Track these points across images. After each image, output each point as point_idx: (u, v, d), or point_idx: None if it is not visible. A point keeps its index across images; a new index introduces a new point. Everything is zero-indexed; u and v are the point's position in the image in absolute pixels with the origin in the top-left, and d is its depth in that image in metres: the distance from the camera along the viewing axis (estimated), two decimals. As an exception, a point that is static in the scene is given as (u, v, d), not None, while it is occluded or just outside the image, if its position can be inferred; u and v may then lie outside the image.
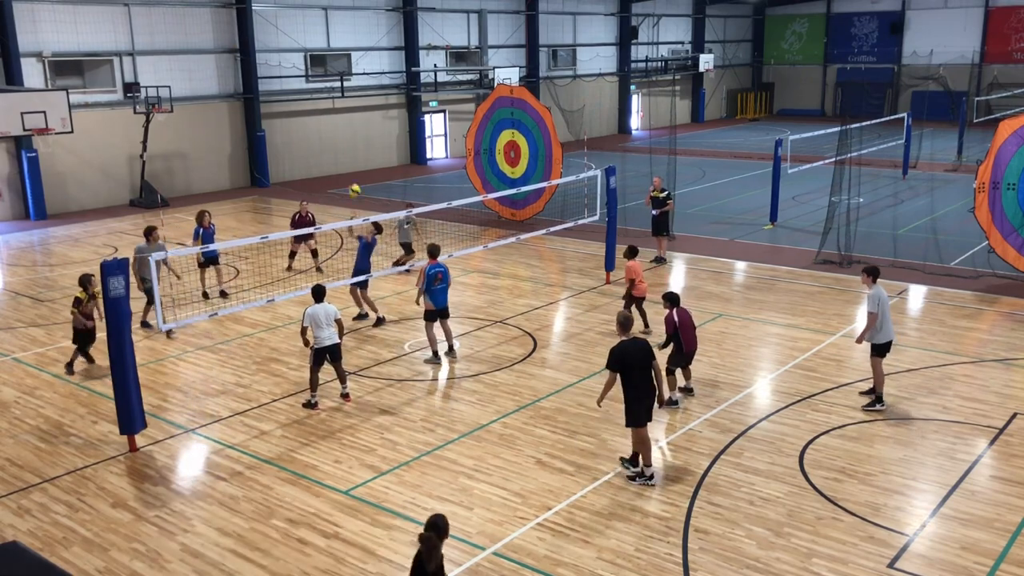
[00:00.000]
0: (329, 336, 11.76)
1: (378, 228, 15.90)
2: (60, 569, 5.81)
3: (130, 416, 10.66)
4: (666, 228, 19.78)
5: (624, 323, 9.87)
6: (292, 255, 19.42)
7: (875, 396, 11.79)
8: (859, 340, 11.81)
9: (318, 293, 11.97)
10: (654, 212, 19.53)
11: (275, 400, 12.38)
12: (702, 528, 8.95)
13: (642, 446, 9.83)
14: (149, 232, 15.38)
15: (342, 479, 10.06)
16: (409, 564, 8.39)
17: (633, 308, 14.47)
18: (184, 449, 10.99)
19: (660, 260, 19.70)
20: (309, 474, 10.20)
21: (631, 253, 14.89)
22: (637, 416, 9.67)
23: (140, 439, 11.00)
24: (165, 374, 13.49)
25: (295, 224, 18.95)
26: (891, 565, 8.27)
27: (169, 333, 15.06)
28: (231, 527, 9.10)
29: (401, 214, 16.97)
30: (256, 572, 8.33)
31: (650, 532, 8.88)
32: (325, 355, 11.89)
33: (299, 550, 8.67)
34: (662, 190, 19.54)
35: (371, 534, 8.92)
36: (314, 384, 12.04)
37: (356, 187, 19.80)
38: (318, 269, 19.18)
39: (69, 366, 13.53)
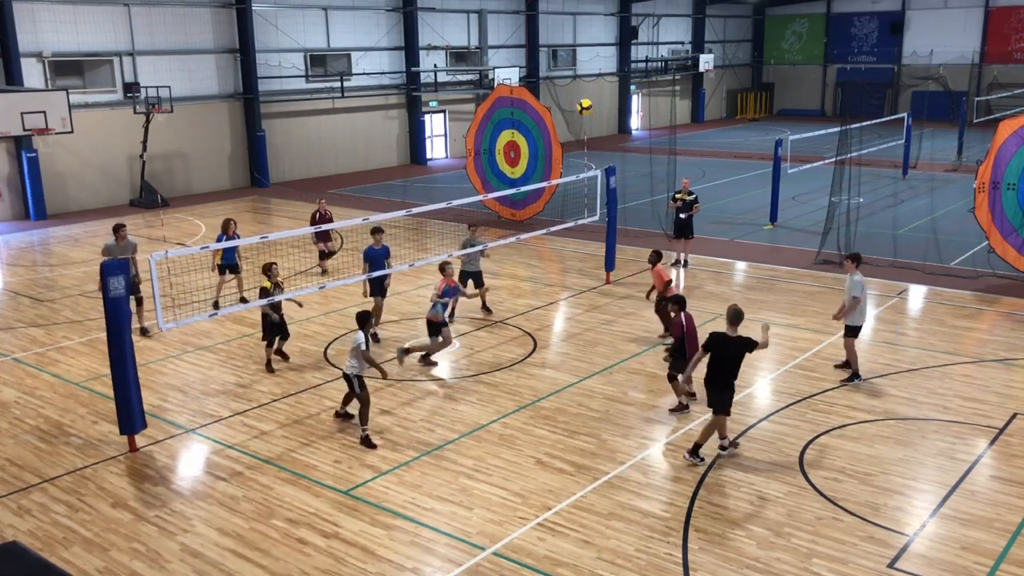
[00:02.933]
0: (347, 364, 10.93)
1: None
2: (60, 569, 5.81)
3: (130, 416, 10.67)
4: (690, 230, 19.42)
5: (734, 318, 10.14)
6: (321, 255, 19.34)
7: (852, 372, 12.68)
8: (838, 317, 12.76)
9: (360, 320, 11.11)
10: (682, 215, 19.16)
11: (275, 400, 12.38)
12: (702, 528, 8.94)
13: (708, 430, 10.33)
14: (117, 229, 15.15)
15: (342, 479, 10.06)
16: (408, 564, 8.43)
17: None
18: (184, 449, 10.99)
19: (680, 263, 19.51)
20: (309, 474, 10.20)
21: (656, 257, 14.29)
22: (714, 401, 10.26)
23: (140, 439, 11.00)
24: (165, 374, 13.49)
25: (314, 223, 18.74)
26: (891, 565, 8.27)
27: (145, 332, 15.13)
28: (231, 527, 9.10)
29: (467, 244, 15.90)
30: (256, 572, 8.33)
31: (650, 532, 8.88)
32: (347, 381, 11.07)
33: (299, 550, 8.67)
34: (689, 192, 19.35)
35: (371, 534, 8.92)
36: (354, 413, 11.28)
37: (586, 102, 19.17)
38: (323, 271, 19.05)
39: (268, 365, 13.50)
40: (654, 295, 14.36)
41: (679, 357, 11.61)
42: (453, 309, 15.69)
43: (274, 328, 13.43)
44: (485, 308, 16.17)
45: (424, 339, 13.66)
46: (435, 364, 13.63)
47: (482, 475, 10.09)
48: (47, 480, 10.15)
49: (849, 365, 12.82)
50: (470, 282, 15.44)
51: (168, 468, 10.48)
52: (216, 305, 16.52)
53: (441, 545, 8.72)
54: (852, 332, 12.63)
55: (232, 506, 9.51)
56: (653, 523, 9.05)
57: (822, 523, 9.00)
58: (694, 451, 10.28)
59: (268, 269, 13.34)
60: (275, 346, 13.59)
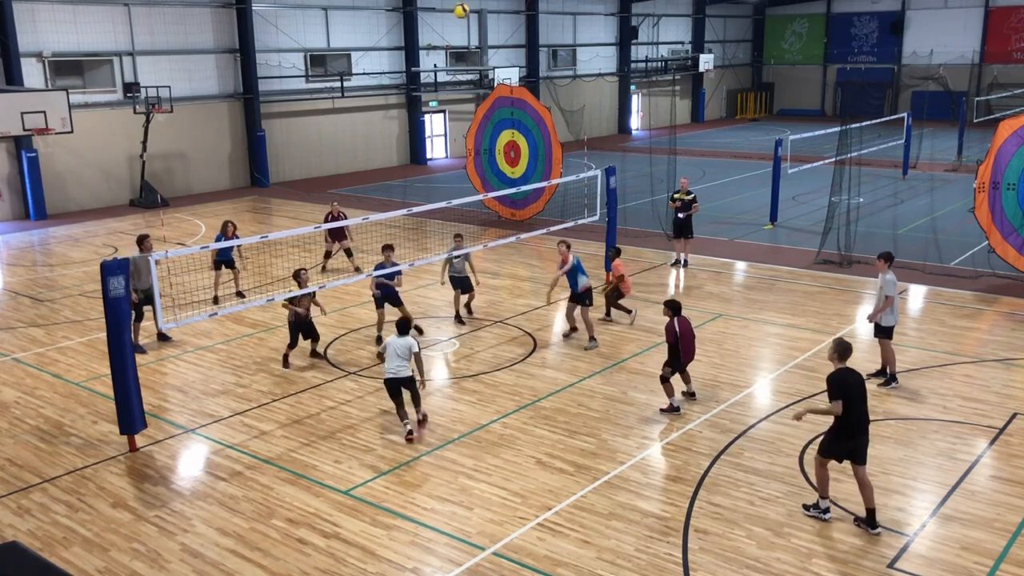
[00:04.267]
0: (399, 367, 10.94)
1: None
2: (60, 569, 5.80)
3: (130, 416, 10.67)
4: (690, 231, 19.36)
5: (841, 351, 8.88)
6: (327, 255, 19.48)
7: (889, 375, 12.49)
8: (871, 319, 12.45)
9: (402, 327, 11.17)
10: (680, 215, 19.12)
11: (275, 400, 12.38)
12: (702, 528, 8.94)
13: (820, 479, 9.04)
14: (142, 241, 14.52)
15: (342, 479, 10.06)
16: (408, 564, 8.43)
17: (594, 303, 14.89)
18: (184, 449, 10.99)
19: (680, 263, 19.47)
20: (309, 474, 10.20)
21: (616, 253, 15.67)
22: (834, 450, 8.82)
23: (140, 439, 11.00)
24: (165, 374, 13.49)
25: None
26: (891, 565, 8.27)
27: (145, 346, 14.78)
28: (231, 527, 9.10)
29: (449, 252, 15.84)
30: (256, 572, 8.33)
31: (650, 532, 8.88)
32: (397, 387, 11.05)
33: (299, 550, 8.67)
34: (687, 192, 19.31)
35: (371, 534, 8.92)
36: (401, 415, 11.11)
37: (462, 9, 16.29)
38: (356, 269, 19.04)
39: (284, 359, 13.66)
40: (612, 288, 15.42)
41: (673, 360, 11.63)
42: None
43: (296, 328, 13.51)
44: (468, 309, 16.10)
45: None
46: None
47: (482, 475, 10.09)
48: (47, 480, 10.15)
49: (885, 371, 12.57)
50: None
51: (168, 468, 10.48)
52: (216, 300, 16.62)
53: (441, 545, 8.72)
54: (886, 333, 12.33)
55: (232, 506, 9.51)
56: (653, 523, 9.05)
57: (822, 523, 8.99)
58: (868, 521, 8.89)
59: (297, 275, 13.46)
60: (296, 345, 13.66)
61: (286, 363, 13.64)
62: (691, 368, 12.14)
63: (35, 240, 23.75)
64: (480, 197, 20.71)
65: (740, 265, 19.70)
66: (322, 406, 12.12)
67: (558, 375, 13.13)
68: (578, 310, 14.57)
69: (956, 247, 20.46)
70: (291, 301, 13.31)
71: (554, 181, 21.96)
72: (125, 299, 10.37)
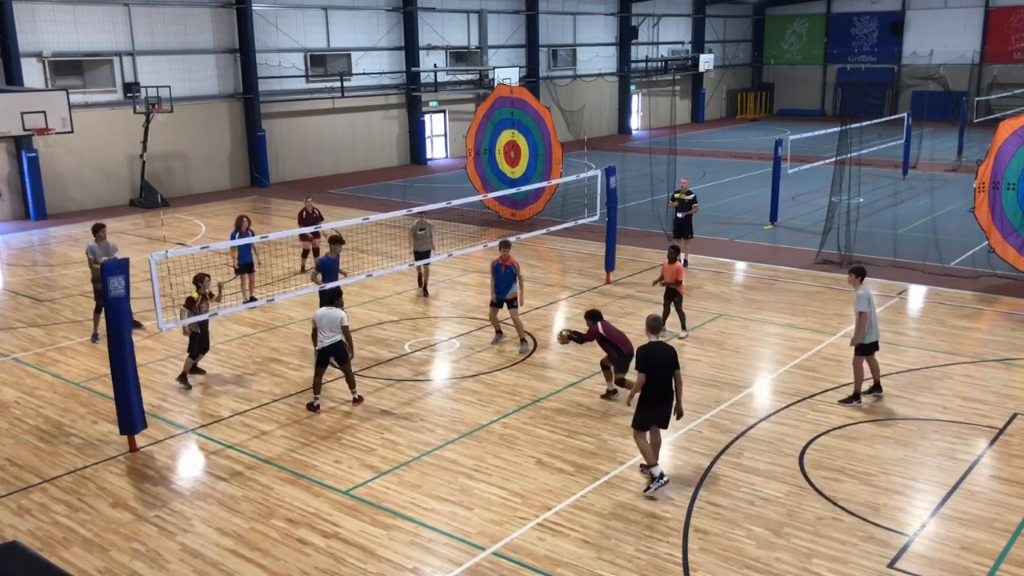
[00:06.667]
0: (328, 337, 11.69)
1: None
2: (60, 569, 5.80)
3: (130, 416, 10.67)
4: (690, 231, 19.33)
5: (653, 325, 9.85)
6: (304, 254, 19.42)
7: (853, 393, 11.89)
8: (853, 343, 11.70)
9: (331, 298, 12.08)
10: (679, 215, 19.12)
11: (275, 400, 12.37)
12: (702, 528, 8.94)
13: (643, 451, 9.77)
14: (97, 229, 14.76)
15: (342, 479, 10.06)
16: (408, 564, 8.43)
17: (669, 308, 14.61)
18: (184, 449, 10.99)
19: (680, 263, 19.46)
20: (309, 474, 10.20)
21: (675, 253, 14.60)
22: (644, 419, 9.64)
23: (140, 439, 11.00)
24: (165, 374, 13.49)
25: (302, 221, 18.84)
26: (891, 565, 8.27)
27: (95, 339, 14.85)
28: (231, 527, 9.10)
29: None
30: (256, 572, 8.33)
31: (650, 532, 8.88)
32: (328, 355, 11.85)
33: (299, 550, 8.67)
34: (687, 192, 19.32)
35: (371, 534, 8.92)
36: (316, 386, 11.98)
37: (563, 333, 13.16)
38: (303, 269, 19.06)
39: (182, 377, 12.92)
40: (660, 284, 14.74)
41: (618, 358, 11.93)
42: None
43: (195, 341, 12.81)
44: (424, 291, 17.43)
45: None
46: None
47: (482, 475, 10.09)
48: (47, 480, 10.15)
49: (879, 387, 12.03)
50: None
51: (168, 468, 10.48)
52: (252, 299, 16.35)
53: (441, 545, 8.72)
54: (861, 351, 11.68)
55: (232, 506, 9.51)
56: (653, 523, 9.05)
57: (822, 523, 9.00)
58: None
59: (200, 280, 12.65)
60: (196, 360, 13.03)
61: (185, 379, 12.90)
62: (690, 368, 12.17)
63: (35, 240, 23.75)
64: (480, 197, 20.70)
65: (740, 265, 19.71)
66: (323, 406, 12.11)
67: (558, 375, 13.13)
68: (504, 312, 14.39)
69: (956, 247, 20.46)
70: (189, 307, 12.41)
71: (554, 181, 21.96)
72: (125, 299, 10.37)
